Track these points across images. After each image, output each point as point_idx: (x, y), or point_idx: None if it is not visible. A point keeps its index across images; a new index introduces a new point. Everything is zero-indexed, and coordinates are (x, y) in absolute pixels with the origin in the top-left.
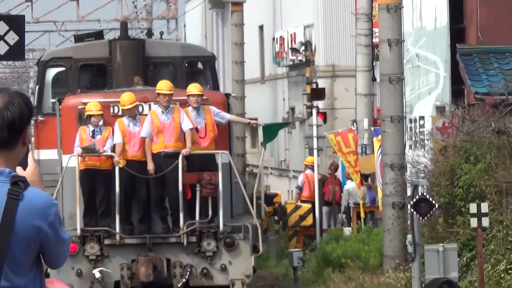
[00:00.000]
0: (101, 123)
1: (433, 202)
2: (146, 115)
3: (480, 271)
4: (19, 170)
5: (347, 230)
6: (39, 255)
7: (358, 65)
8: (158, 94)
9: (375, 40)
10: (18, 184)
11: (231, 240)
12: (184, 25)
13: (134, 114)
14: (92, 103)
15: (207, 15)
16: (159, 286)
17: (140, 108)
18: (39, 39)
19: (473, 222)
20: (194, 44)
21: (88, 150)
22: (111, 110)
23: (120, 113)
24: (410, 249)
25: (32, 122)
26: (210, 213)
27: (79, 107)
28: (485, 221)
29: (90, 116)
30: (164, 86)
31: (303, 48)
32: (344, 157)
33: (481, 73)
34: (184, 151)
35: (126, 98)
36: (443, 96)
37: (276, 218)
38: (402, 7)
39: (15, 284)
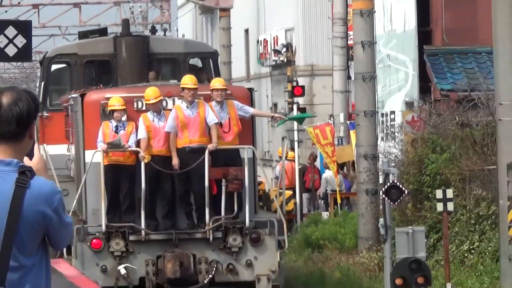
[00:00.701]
0: (124, 118)
1: (403, 188)
2: (170, 110)
3: (445, 251)
4: (26, 161)
5: (325, 215)
6: (44, 238)
7: (334, 64)
8: (183, 88)
9: (350, 42)
10: (26, 174)
11: (257, 236)
12: (177, 29)
13: (158, 108)
14: (115, 98)
15: (198, 20)
16: (185, 282)
17: (164, 103)
18: (45, 42)
19: (439, 207)
20: (196, 41)
21: (113, 146)
22: (135, 105)
23: (143, 108)
24: (382, 231)
25: (37, 118)
26: (235, 208)
27: (102, 102)
28: (450, 206)
29: (113, 111)
30: (189, 80)
31: (284, 49)
32: (322, 148)
33: (446, 72)
34: (210, 146)
35: (151, 92)
36: (411, 92)
37: (260, 203)
38: (374, 12)
39: (23, 264)
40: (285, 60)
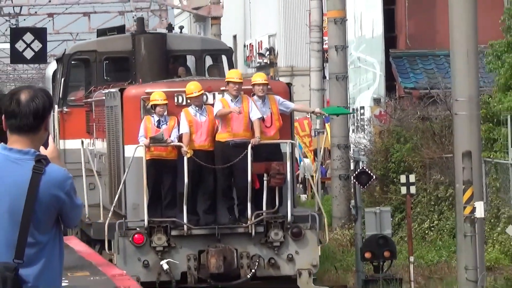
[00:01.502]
0: (165, 113)
1: (371, 174)
2: (211, 104)
3: (408, 229)
4: (42, 150)
5: (303, 197)
6: (58, 218)
7: (311, 66)
8: (228, 82)
9: (325, 46)
10: (41, 161)
11: (298, 230)
12: None
13: (200, 102)
14: (157, 92)
15: (192, 27)
16: (227, 277)
17: (204, 98)
18: (58, 47)
19: (403, 190)
20: (212, 38)
21: (156, 140)
22: (175, 100)
23: (184, 103)
24: (353, 211)
25: (57, 113)
26: (276, 203)
27: (142, 96)
28: (413, 189)
29: (155, 106)
30: (234, 74)
31: (268, 53)
32: (301, 139)
33: (409, 72)
34: (253, 141)
35: (193, 86)
36: (379, 90)
37: None
38: (346, 20)
39: (39, 241)
40: (268, 62)
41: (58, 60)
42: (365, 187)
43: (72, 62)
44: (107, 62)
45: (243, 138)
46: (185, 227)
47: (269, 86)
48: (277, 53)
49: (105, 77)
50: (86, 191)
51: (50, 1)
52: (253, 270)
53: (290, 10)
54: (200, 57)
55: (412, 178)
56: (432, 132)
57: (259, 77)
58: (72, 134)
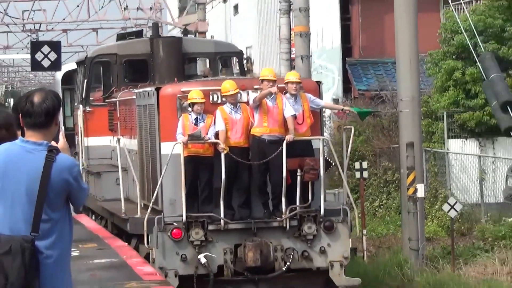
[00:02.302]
0: (202, 111)
1: (331, 161)
2: (245, 102)
3: (361, 207)
4: (53, 143)
5: None
6: (67, 198)
7: (281, 72)
8: (262, 80)
9: (293, 56)
10: (53, 151)
11: (331, 223)
12: None
13: (235, 100)
14: (195, 91)
15: None
16: (262, 270)
17: (238, 96)
18: (70, 58)
19: (357, 175)
20: (224, 41)
21: (194, 138)
22: (211, 98)
23: (219, 101)
24: None
25: (81, 112)
26: (309, 197)
27: (179, 95)
28: (365, 174)
29: (193, 104)
30: (268, 72)
31: (245, 61)
32: None
33: (362, 77)
34: (288, 137)
35: (229, 85)
36: (337, 92)
37: None
38: (310, 34)
39: (52, 217)
40: (246, 69)
41: (79, 63)
42: (326, 172)
43: (94, 64)
44: (126, 64)
45: (277, 134)
46: (221, 221)
47: (301, 85)
48: (253, 61)
49: (124, 79)
50: (122, 185)
51: (64, 19)
52: (288, 263)
53: (264, 26)
54: (214, 59)
55: (364, 164)
56: (382, 127)
57: (293, 76)
58: (94, 132)
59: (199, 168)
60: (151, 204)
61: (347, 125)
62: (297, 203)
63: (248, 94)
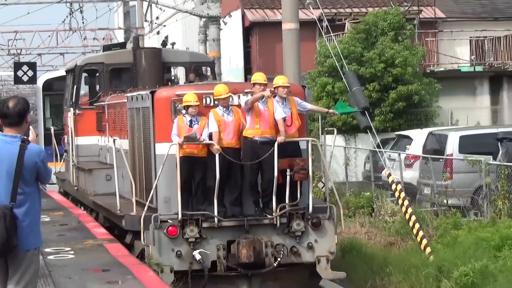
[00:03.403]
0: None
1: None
2: (237, 105)
3: None
4: (31, 134)
5: None
6: (37, 176)
7: None
8: (254, 84)
9: None
10: (24, 142)
11: (318, 220)
12: None
13: (227, 103)
14: (190, 94)
15: None
16: (252, 265)
17: (230, 99)
18: (43, 74)
19: None
20: (198, 52)
21: (190, 139)
22: (204, 101)
23: (212, 104)
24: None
25: (72, 114)
26: (298, 195)
27: (173, 98)
28: None
29: (187, 106)
30: (260, 76)
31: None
32: None
33: None
34: (280, 139)
35: (221, 88)
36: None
37: None
38: (220, 57)
39: (25, 191)
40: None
41: (69, 71)
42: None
43: (83, 72)
44: (112, 72)
45: (268, 136)
46: (215, 219)
47: (289, 88)
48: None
49: (110, 85)
50: (116, 183)
51: (39, 46)
52: (279, 259)
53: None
54: (189, 68)
55: None
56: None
57: (283, 80)
58: (83, 132)
59: (193, 168)
60: (147, 203)
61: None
62: (287, 201)
63: (239, 97)
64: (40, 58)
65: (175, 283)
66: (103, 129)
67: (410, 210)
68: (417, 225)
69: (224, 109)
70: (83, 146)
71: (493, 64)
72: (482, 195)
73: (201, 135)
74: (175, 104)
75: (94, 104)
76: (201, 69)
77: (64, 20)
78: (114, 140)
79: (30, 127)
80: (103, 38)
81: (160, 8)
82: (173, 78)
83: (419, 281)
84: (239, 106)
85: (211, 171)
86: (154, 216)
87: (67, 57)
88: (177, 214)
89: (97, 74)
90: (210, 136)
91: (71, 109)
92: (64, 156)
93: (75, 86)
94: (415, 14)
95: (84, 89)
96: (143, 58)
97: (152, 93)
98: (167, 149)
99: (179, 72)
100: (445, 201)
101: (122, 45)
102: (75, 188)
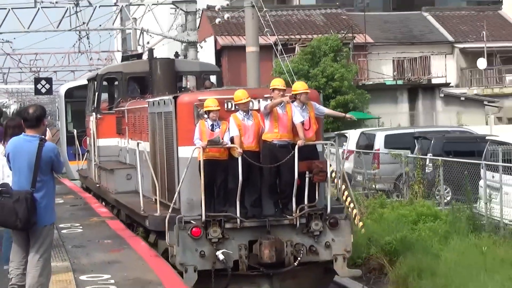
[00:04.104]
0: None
1: None
2: (257, 110)
3: None
4: (48, 135)
5: None
6: (52, 167)
7: None
8: (273, 89)
9: None
10: (42, 140)
11: (335, 220)
12: None
13: (247, 108)
14: (211, 99)
15: None
16: (274, 264)
17: (250, 104)
18: (58, 87)
19: None
20: (206, 62)
21: (213, 143)
22: (225, 106)
23: (232, 108)
24: None
25: (94, 118)
26: (316, 196)
27: (195, 103)
28: None
29: (209, 111)
30: (279, 82)
31: None
32: None
33: None
34: (300, 142)
35: (241, 94)
36: None
37: None
38: None
39: (43, 179)
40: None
41: (90, 80)
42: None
43: (104, 80)
44: (130, 80)
45: (286, 139)
46: (238, 220)
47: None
48: None
49: (128, 92)
50: (140, 184)
51: (54, 65)
52: (299, 258)
53: None
54: (199, 76)
55: None
56: None
57: (302, 87)
58: (104, 135)
59: (215, 170)
60: (172, 204)
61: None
62: (305, 202)
63: (259, 102)
64: (55, 74)
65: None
66: (122, 132)
67: (346, 193)
68: (351, 205)
69: (244, 113)
70: (104, 147)
71: (410, 78)
72: (402, 181)
73: (223, 139)
74: (197, 109)
75: (114, 109)
76: (209, 77)
77: (74, 44)
78: (138, 144)
79: (48, 129)
80: (105, 59)
81: (150, 35)
82: (185, 86)
83: (354, 249)
84: (258, 110)
85: (232, 173)
86: (178, 217)
87: (76, 73)
88: (200, 215)
89: (116, 82)
90: (231, 140)
91: (93, 113)
92: (86, 156)
93: (96, 93)
94: (350, 39)
95: (104, 96)
96: (158, 67)
97: (175, 98)
98: (190, 152)
99: (190, 81)
100: (373, 186)
101: (139, 56)
102: (97, 185)
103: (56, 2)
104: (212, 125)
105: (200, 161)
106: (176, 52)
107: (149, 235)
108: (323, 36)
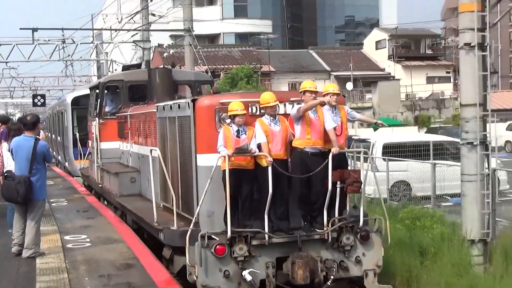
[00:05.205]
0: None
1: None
2: (283, 114)
3: None
4: (41, 135)
5: None
6: (44, 158)
7: None
8: (304, 92)
9: None
10: (37, 139)
11: (366, 233)
12: None
13: (275, 112)
14: (236, 102)
15: None
16: (305, 285)
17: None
18: (51, 102)
19: None
20: (200, 72)
21: (242, 151)
22: (250, 110)
23: (257, 112)
24: None
25: (96, 123)
26: (347, 208)
27: (217, 107)
28: None
29: (234, 115)
30: (311, 84)
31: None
32: None
33: None
34: (334, 150)
35: (269, 96)
36: None
37: None
38: None
39: (37, 167)
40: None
41: (92, 88)
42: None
43: (106, 88)
44: (130, 88)
45: (319, 147)
46: (266, 236)
47: (339, 96)
48: None
49: (129, 99)
50: (153, 193)
51: (47, 85)
52: (332, 276)
53: None
54: (194, 85)
55: None
56: None
57: (333, 87)
58: (106, 138)
59: (241, 180)
60: (194, 219)
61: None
62: (336, 214)
63: (285, 106)
64: (48, 92)
65: None
66: (125, 136)
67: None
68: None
69: (271, 118)
70: (106, 150)
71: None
72: None
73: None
74: (219, 113)
75: (116, 115)
76: (200, 88)
77: (62, 70)
78: (151, 150)
79: (41, 131)
80: (85, 81)
81: (117, 64)
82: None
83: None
84: (284, 115)
85: (259, 184)
86: (201, 234)
87: (64, 91)
88: (224, 231)
89: (118, 90)
90: (258, 147)
91: (96, 118)
92: (88, 157)
93: (99, 99)
94: (258, 69)
95: (105, 102)
96: (157, 76)
97: (194, 101)
98: (210, 161)
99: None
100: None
101: (138, 66)
102: (100, 185)
103: (49, 40)
104: (238, 131)
105: (224, 170)
106: (173, 62)
107: (163, 248)
108: (240, 66)
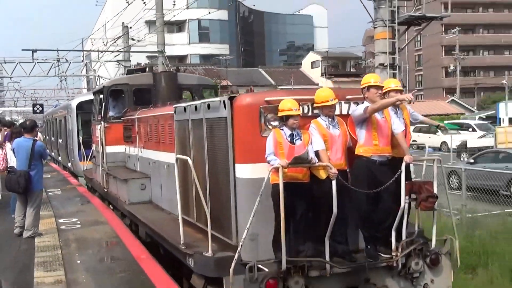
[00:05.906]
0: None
1: None
2: (337, 115)
3: None
4: (39, 136)
5: None
6: (41, 156)
7: None
8: (368, 88)
9: None
10: (35, 140)
11: (436, 257)
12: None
13: (333, 113)
14: (289, 100)
15: None
16: None
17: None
18: (48, 109)
19: None
20: (203, 77)
21: (301, 160)
22: (301, 110)
23: (309, 113)
24: None
25: (102, 127)
26: (416, 228)
27: (261, 106)
28: None
29: (287, 116)
30: (374, 78)
31: None
32: None
33: None
34: (408, 159)
35: (327, 93)
36: None
37: None
38: None
39: (35, 163)
40: None
41: (96, 92)
42: None
43: (111, 91)
44: (135, 92)
45: (387, 154)
46: (327, 266)
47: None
48: None
49: (133, 102)
50: (180, 210)
51: (45, 96)
52: None
53: None
54: (198, 90)
55: None
56: None
57: (395, 83)
58: (111, 142)
59: (295, 197)
60: (239, 248)
61: None
62: (403, 236)
63: (340, 104)
64: (46, 102)
65: None
66: (132, 140)
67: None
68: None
69: (330, 119)
70: (111, 153)
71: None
72: None
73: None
74: (264, 113)
75: (122, 118)
76: (204, 91)
77: (58, 84)
78: (177, 159)
79: (39, 133)
80: (77, 93)
81: (103, 79)
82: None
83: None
84: (341, 116)
85: (313, 200)
86: (248, 266)
87: (60, 101)
88: (276, 260)
89: (123, 94)
90: (316, 155)
91: (102, 122)
92: (92, 159)
93: (103, 103)
94: (219, 83)
95: (110, 106)
96: (162, 79)
97: (231, 99)
98: (258, 172)
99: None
100: None
101: (143, 70)
102: (105, 189)
103: (46, 59)
104: (292, 135)
105: (274, 184)
106: (177, 67)
107: (191, 274)
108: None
